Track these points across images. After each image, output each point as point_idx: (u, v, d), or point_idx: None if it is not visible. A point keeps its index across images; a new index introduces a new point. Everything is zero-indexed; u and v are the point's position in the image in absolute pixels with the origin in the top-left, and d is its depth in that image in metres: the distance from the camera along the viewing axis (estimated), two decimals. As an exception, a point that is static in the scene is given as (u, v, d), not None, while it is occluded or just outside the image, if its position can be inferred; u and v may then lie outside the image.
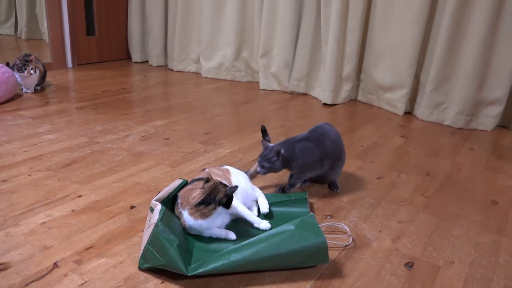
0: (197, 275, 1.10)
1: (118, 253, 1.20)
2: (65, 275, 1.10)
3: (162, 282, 1.10)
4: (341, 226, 1.39)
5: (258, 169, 1.51)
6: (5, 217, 1.34)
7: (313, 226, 1.16)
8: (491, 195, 1.71)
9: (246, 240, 1.15)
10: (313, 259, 1.16)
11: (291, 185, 1.60)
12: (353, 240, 1.31)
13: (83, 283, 1.07)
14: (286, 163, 1.52)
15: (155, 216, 1.16)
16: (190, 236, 1.27)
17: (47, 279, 1.08)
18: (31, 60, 2.64)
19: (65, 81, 3.18)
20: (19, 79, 2.66)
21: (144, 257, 1.14)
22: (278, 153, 1.48)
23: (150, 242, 1.12)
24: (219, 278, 1.12)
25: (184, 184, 1.35)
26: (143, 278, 1.11)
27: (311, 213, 1.19)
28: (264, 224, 1.32)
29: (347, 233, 1.33)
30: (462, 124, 2.59)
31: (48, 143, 1.96)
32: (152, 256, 1.11)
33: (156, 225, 1.12)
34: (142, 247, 1.15)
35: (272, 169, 1.51)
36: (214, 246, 1.24)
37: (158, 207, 1.20)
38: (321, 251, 1.14)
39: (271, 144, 1.55)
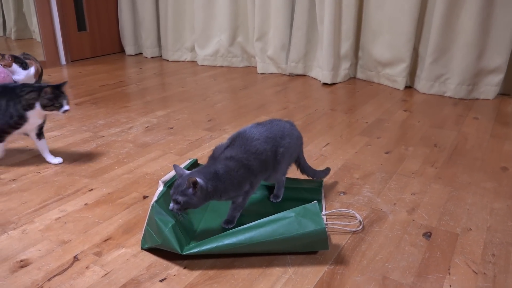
0: (192, 256, 1.11)
1: (137, 242, 1.20)
2: (87, 267, 1.10)
3: (185, 268, 1.10)
4: (351, 212, 1.35)
5: (171, 205, 1.11)
6: (19, 215, 1.34)
7: (314, 214, 1.12)
8: (500, 161, 1.72)
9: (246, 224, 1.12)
10: (312, 246, 1.13)
11: (228, 221, 1.25)
12: (363, 226, 1.28)
13: (105, 274, 1.07)
14: (210, 196, 1.14)
15: (154, 197, 1.20)
16: (195, 217, 1.28)
17: (69, 272, 1.08)
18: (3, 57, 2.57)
19: (61, 78, 3.14)
20: (18, 77, 2.62)
21: (144, 237, 1.17)
22: (194, 185, 1.09)
23: (148, 223, 1.17)
24: (240, 260, 1.12)
25: (194, 163, 1.36)
26: (165, 265, 1.10)
27: (315, 201, 1.17)
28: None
29: (357, 218, 1.32)
30: (464, 94, 2.59)
31: (52, 140, 1.94)
32: (150, 236, 1.14)
33: (152, 206, 1.16)
34: (144, 228, 1.19)
35: (190, 205, 1.11)
36: (216, 228, 1.25)
37: (160, 188, 1.24)
38: (320, 238, 1.10)
39: (186, 171, 1.16)
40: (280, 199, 1.40)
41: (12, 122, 1.57)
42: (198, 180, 1.09)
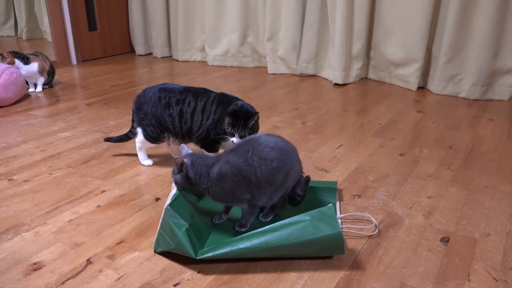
0: (206, 260, 1.09)
1: (150, 246, 1.19)
2: (100, 271, 1.09)
3: (199, 272, 1.08)
4: (367, 216, 1.32)
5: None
6: (31, 217, 1.33)
7: (329, 218, 1.10)
8: (518, 164, 1.68)
9: (259, 228, 1.11)
10: (327, 250, 1.11)
11: (241, 224, 1.24)
12: (379, 230, 1.26)
13: (119, 278, 1.06)
14: (194, 183, 1.19)
15: (167, 200, 1.18)
16: (208, 220, 1.27)
17: (82, 276, 1.07)
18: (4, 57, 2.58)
19: (72, 78, 3.15)
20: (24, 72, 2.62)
21: (158, 240, 1.16)
22: (181, 166, 1.18)
23: (161, 226, 1.15)
24: (255, 265, 1.11)
25: None
26: (179, 269, 1.09)
27: (330, 204, 1.15)
28: None
29: (372, 222, 1.29)
30: (478, 95, 2.55)
31: (64, 140, 1.94)
32: (163, 240, 1.12)
33: (166, 209, 1.14)
34: (157, 231, 1.17)
35: (178, 183, 1.21)
36: (229, 231, 1.23)
37: (173, 191, 1.23)
38: (336, 243, 1.08)
39: (188, 151, 1.25)
40: (270, 218, 1.29)
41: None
42: (185, 160, 1.17)
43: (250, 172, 1.15)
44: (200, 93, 1.54)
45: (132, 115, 1.64)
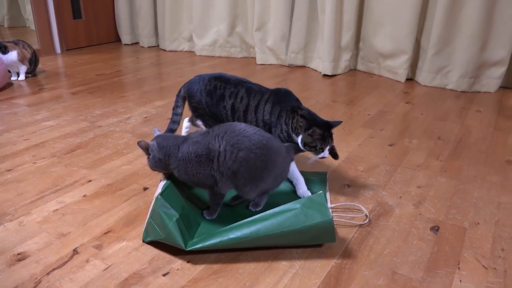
0: (196, 250, 1.07)
1: (138, 235, 1.16)
2: (87, 261, 1.06)
3: (188, 262, 1.06)
4: (358, 205, 1.31)
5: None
6: (15, 206, 1.29)
7: (320, 205, 1.09)
8: (505, 155, 1.70)
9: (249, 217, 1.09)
10: (319, 238, 1.10)
11: (209, 213, 1.22)
12: (370, 219, 1.25)
13: (106, 268, 1.04)
14: (164, 164, 1.18)
15: (158, 190, 1.16)
16: (198, 211, 1.25)
17: (68, 266, 1.04)
18: None
19: (56, 67, 3.07)
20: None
21: (147, 230, 1.14)
22: (146, 149, 1.18)
23: (151, 216, 1.12)
24: (246, 254, 1.09)
25: None
26: (168, 259, 1.07)
27: (320, 191, 1.14)
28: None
29: (363, 212, 1.29)
30: (466, 87, 2.56)
31: (48, 129, 1.90)
32: (153, 230, 1.10)
33: (156, 199, 1.12)
34: (146, 220, 1.15)
35: (150, 166, 1.20)
36: (219, 222, 1.21)
37: (163, 181, 1.21)
38: (327, 230, 1.07)
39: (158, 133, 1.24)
40: (261, 207, 1.26)
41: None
42: (150, 143, 1.17)
43: (213, 155, 1.12)
44: (253, 89, 1.40)
45: (176, 99, 1.54)
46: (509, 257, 1.10)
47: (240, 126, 1.16)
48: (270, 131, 1.37)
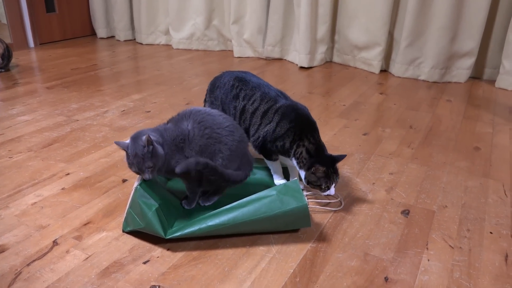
0: (176, 239, 1.10)
1: (118, 226, 1.18)
2: (67, 252, 1.07)
3: (168, 249, 1.09)
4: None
5: (146, 176, 1.13)
6: (-8, 201, 1.29)
7: (295, 191, 1.13)
8: (473, 142, 1.77)
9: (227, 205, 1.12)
10: (294, 223, 1.15)
11: (187, 202, 1.25)
12: (344, 205, 1.30)
13: (87, 258, 1.05)
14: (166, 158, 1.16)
15: (137, 181, 1.17)
16: (177, 200, 1.27)
17: (48, 257, 1.05)
18: None
19: (29, 61, 3.02)
20: None
21: (126, 220, 1.15)
22: (149, 143, 1.10)
23: (130, 205, 1.14)
24: (224, 241, 1.12)
25: None
26: (148, 247, 1.09)
27: (296, 178, 1.17)
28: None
29: (338, 198, 1.34)
30: (437, 77, 2.65)
31: (24, 124, 1.88)
32: (133, 220, 1.12)
33: (136, 189, 1.14)
34: (126, 211, 1.16)
35: (156, 164, 1.14)
36: (199, 211, 1.23)
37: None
38: (303, 215, 1.11)
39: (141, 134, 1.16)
40: (211, 203, 1.26)
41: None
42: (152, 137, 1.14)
43: (185, 134, 1.16)
44: (268, 95, 1.35)
45: (205, 95, 1.54)
46: (474, 236, 1.16)
47: (204, 108, 1.23)
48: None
